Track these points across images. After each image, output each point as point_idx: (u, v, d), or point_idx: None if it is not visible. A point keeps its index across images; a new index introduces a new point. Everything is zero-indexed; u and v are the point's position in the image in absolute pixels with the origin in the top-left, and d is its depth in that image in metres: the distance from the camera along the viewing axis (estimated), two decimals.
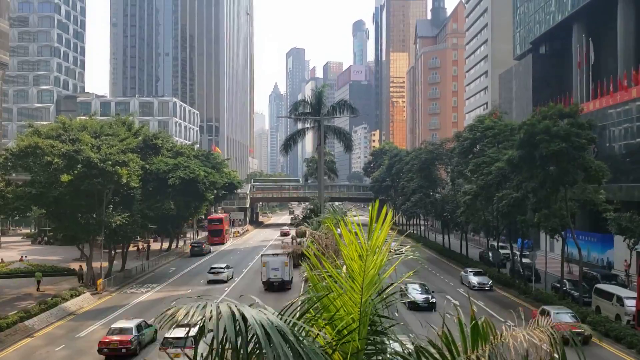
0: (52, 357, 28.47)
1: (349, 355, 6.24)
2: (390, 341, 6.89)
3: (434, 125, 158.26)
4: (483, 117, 58.13)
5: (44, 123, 73.25)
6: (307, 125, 61.04)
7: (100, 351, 27.41)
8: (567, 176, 35.53)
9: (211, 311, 5.04)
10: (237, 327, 5.00)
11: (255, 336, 5.05)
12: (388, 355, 6.73)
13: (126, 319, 30.79)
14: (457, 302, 38.12)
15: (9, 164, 45.66)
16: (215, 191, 74.70)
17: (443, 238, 72.34)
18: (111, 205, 48.68)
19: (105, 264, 50.15)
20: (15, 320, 32.64)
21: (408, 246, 7.66)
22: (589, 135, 35.21)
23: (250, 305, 5.76)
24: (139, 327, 28.87)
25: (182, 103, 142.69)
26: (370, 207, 6.55)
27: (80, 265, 50.43)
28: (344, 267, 6.60)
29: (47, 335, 32.99)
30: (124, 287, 48.94)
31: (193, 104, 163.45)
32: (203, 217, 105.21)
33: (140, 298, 43.97)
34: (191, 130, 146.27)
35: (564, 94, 61.83)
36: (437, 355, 6.19)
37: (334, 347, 6.30)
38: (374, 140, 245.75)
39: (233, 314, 5.05)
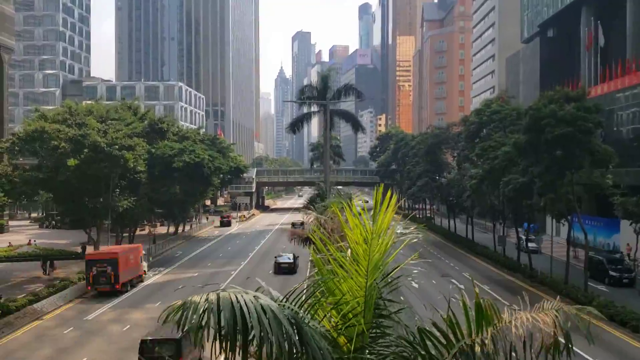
0: (62, 338, 28.83)
1: (354, 339, 6.30)
2: (395, 324, 6.94)
3: (440, 109, 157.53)
4: (490, 101, 57.82)
5: (50, 107, 73.41)
6: (313, 109, 60.92)
7: None
8: (574, 160, 35.34)
9: (211, 301, 5.14)
10: (238, 316, 5.08)
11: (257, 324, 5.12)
12: (392, 338, 6.79)
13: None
14: (462, 287, 38.24)
15: (16, 148, 45.87)
16: (222, 176, 74.85)
17: (449, 222, 72.33)
18: (118, 189, 48.87)
19: None
20: (24, 303, 33.01)
21: (412, 228, 7.70)
22: (596, 119, 34.94)
23: (257, 290, 5.83)
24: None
25: (187, 87, 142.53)
26: (374, 191, 6.57)
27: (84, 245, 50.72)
28: (349, 251, 6.64)
29: (56, 317, 33.37)
30: None
31: (199, 88, 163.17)
32: (209, 202, 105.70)
33: (148, 281, 44.28)
34: (197, 114, 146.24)
35: (571, 77, 61.34)
36: (441, 339, 6.24)
37: (339, 331, 6.37)
38: (380, 125, 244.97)
39: (232, 304, 5.13)
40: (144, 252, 45.47)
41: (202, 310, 5.08)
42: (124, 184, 50.67)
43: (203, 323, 5.05)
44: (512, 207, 46.18)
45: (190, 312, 5.08)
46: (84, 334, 29.75)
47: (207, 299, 5.18)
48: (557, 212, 38.11)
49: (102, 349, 27.10)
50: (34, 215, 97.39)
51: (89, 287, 38.94)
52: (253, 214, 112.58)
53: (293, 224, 64.37)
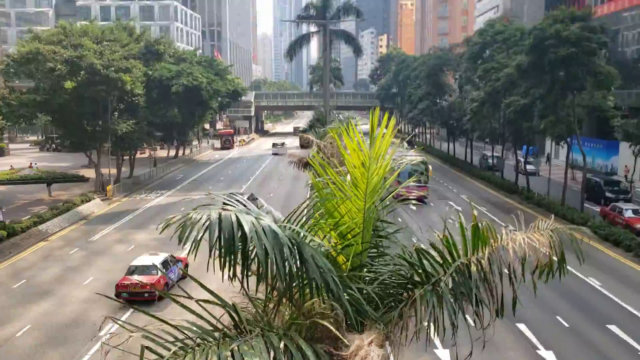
0: (69, 258, 29.59)
1: (351, 257, 6.49)
2: (393, 244, 7.12)
3: (443, 30, 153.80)
4: (493, 21, 56.48)
5: (44, 28, 71.64)
6: (312, 29, 59.52)
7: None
8: (576, 82, 34.99)
9: (213, 218, 5.23)
10: (239, 234, 5.20)
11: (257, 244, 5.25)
12: (390, 257, 6.99)
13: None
14: (459, 209, 38.84)
15: (11, 70, 45.23)
16: (220, 99, 74.23)
17: (448, 146, 72.46)
18: (116, 113, 48.65)
19: (114, 171, 50.86)
20: (29, 225, 33.64)
21: (412, 151, 7.74)
22: (600, 40, 34.27)
23: (260, 208, 5.94)
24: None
25: (183, 7, 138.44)
26: (370, 114, 6.55)
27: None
28: (348, 175, 6.72)
29: (61, 238, 34.10)
30: (133, 193, 49.90)
31: (194, 8, 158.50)
32: (208, 125, 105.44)
33: (151, 203, 44.93)
34: (193, 35, 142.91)
35: None
36: (437, 258, 6.42)
37: (338, 251, 6.55)
38: (381, 46, 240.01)
39: (232, 223, 5.23)
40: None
41: (203, 226, 5.19)
42: (122, 107, 50.36)
43: (203, 238, 5.16)
44: (512, 130, 46.13)
45: (191, 228, 5.18)
46: (90, 254, 30.50)
47: (208, 216, 5.27)
48: (557, 134, 38.13)
49: (108, 268, 27.85)
50: (33, 138, 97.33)
51: (222, 145, 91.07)
52: (252, 138, 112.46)
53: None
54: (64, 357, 17.95)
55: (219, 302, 5.60)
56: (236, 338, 5.23)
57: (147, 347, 4.98)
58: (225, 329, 5.43)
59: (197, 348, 5.07)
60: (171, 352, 5.05)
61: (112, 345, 5.12)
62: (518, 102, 39.52)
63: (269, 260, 5.17)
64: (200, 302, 5.49)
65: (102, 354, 4.97)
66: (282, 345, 5.17)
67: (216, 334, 5.32)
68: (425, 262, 6.39)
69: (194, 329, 5.37)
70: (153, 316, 5.35)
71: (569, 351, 18.07)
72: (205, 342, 5.19)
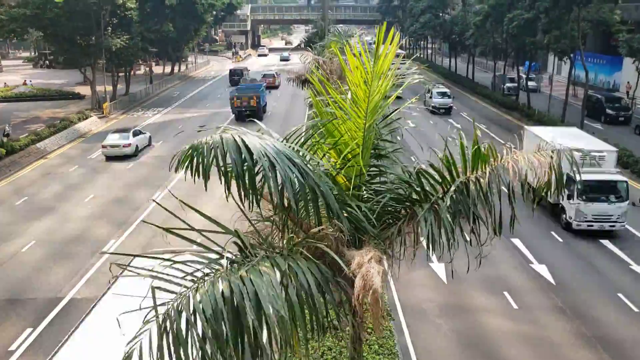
0: (68, 176, 29.74)
1: (353, 177, 6.49)
2: (393, 164, 7.11)
3: None
4: None
5: None
6: None
7: None
8: None
9: (216, 143, 5.21)
10: (245, 153, 5.18)
11: (261, 162, 5.24)
12: (389, 177, 6.99)
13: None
14: (459, 126, 38.69)
15: None
16: (214, 13, 72.13)
17: (450, 61, 71.16)
18: (109, 28, 47.38)
19: (110, 88, 50.17)
20: (27, 142, 33.58)
21: (414, 68, 7.56)
22: None
23: (257, 131, 5.88)
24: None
25: None
26: (377, 30, 6.35)
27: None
28: (349, 93, 6.59)
29: (60, 156, 34.13)
30: (130, 110, 49.46)
31: None
32: (202, 41, 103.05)
33: (148, 121, 44.64)
34: None
35: None
36: (437, 177, 6.42)
37: (337, 170, 6.53)
38: None
39: (237, 144, 5.21)
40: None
41: (210, 153, 5.19)
42: (116, 22, 48.97)
43: (212, 163, 5.18)
44: (515, 46, 45.16)
45: (200, 157, 5.20)
46: (89, 171, 30.63)
47: (212, 142, 5.25)
48: (560, 49, 37.35)
49: (108, 184, 28.07)
50: (25, 54, 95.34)
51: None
52: (249, 54, 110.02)
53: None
54: (69, 271, 18.41)
55: (222, 230, 5.63)
56: (243, 263, 5.29)
57: (158, 288, 4.94)
58: (230, 254, 5.48)
59: (206, 278, 5.09)
60: (181, 287, 5.06)
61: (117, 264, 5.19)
62: (522, 16, 38.55)
63: (274, 175, 5.21)
64: (203, 232, 5.49)
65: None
66: (286, 266, 5.27)
67: (222, 262, 5.34)
68: (424, 181, 6.40)
69: (201, 260, 5.40)
70: (156, 257, 5.36)
71: (562, 265, 18.54)
72: (213, 270, 5.23)
